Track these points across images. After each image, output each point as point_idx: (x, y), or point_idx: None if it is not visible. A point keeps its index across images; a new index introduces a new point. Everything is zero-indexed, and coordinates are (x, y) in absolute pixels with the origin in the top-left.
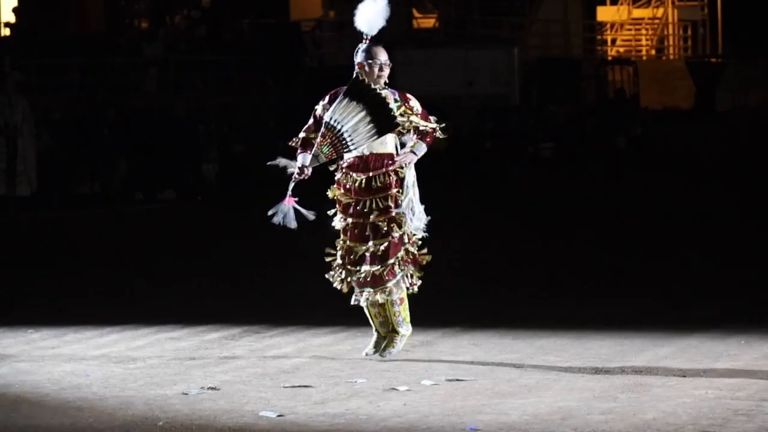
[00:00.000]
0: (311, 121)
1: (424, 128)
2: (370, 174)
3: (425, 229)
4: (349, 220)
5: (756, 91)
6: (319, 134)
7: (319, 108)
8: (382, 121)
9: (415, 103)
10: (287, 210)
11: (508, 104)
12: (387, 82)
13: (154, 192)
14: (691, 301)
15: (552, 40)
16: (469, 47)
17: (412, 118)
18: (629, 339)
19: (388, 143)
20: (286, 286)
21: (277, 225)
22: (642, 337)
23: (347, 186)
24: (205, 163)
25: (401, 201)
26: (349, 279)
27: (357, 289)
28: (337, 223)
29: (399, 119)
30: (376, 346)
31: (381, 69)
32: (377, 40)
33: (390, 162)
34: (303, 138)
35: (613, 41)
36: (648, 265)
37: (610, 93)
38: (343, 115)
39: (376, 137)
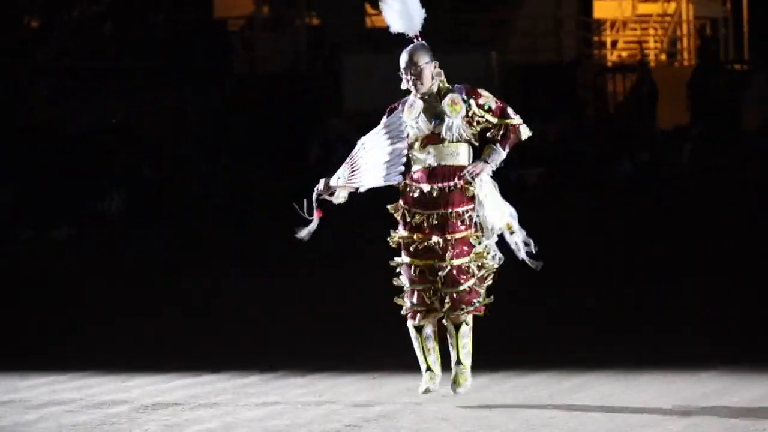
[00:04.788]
0: None
1: (500, 126)
2: (440, 185)
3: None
4: (415, 236)
5: None
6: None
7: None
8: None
9: (485, 99)
10: (312, 224)
11: None
12: (443, 83)
13: (46, 227)
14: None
15: (540, 42)
16: (436, 49)
17: (486, 116)
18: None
19: (459, 153)
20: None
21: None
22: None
23: (412, 199)
24: (110, 191)
25: (479, 231)
26: (425, 305)
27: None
28: (400, 241)
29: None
30: (433, 380)
31: (410, 76)
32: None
33: (462, 172)
34: None
35: (614, 43)
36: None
37: (611, 107)
38: (371, 145)
39: (380, 184)
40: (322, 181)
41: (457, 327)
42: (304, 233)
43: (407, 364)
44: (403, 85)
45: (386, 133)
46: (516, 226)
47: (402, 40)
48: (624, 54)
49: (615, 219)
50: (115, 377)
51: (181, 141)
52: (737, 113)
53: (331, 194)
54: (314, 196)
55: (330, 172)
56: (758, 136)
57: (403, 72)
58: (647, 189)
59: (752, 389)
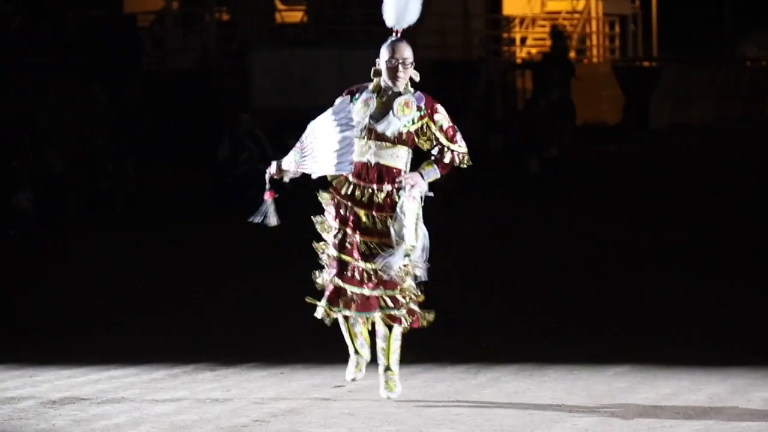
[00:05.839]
0: None
1: (445, 147)
2: (375, 187)
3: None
4: (344, 230)
5: (699, 103)
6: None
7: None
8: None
9: (441, 117)
10: (267, 206)
11: None
12: (410, 83)
13: None
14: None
15: (448, 39)
16: (346, 47)
17: (436, 132)
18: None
19: (399, 156)
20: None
21: (259, 223)
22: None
23: (344, 193)
24: (18, 189)
25: (396, 237)
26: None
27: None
28: (326, 234)
29: (411, 128)
30: (359, 366)
31: (398, 69)
32: (404, 34)
33: (398, 179)
34: None
35: (523, 40)
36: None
37: (520, 104)
38: (320, 131)
39: (331, 173)
40: (274, 164)
41: (390, 327)
42: (257, 217)
43: (315, 359)
44: (384, 74)
45: (335, 120)
46: (417, 252)
47: (308, 38)
48: (533, 51)
49: (523, 215)
50: (24, 372)
51: (91, 137)
52: (645, 109)
53: (282, 176)
54: (267, 177)
55: (238, 167)
56: (667, 132)
57: (393, 60)
58: (555, 184)
59: (660, 387)
